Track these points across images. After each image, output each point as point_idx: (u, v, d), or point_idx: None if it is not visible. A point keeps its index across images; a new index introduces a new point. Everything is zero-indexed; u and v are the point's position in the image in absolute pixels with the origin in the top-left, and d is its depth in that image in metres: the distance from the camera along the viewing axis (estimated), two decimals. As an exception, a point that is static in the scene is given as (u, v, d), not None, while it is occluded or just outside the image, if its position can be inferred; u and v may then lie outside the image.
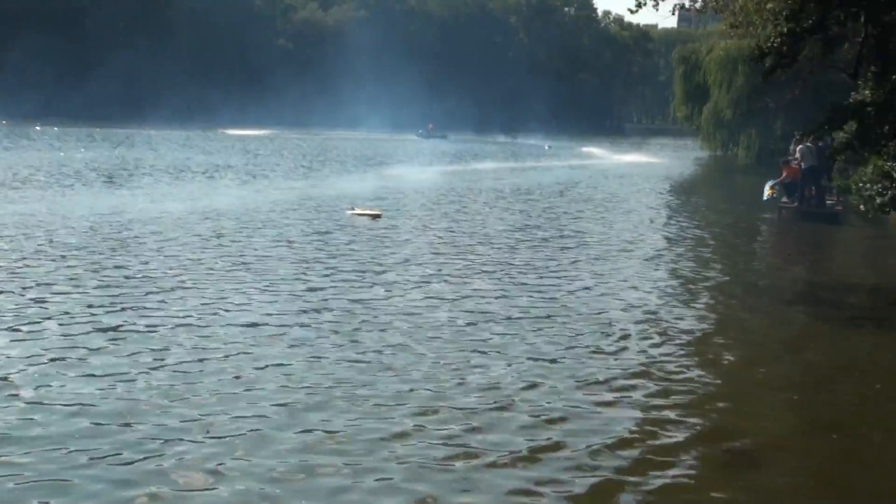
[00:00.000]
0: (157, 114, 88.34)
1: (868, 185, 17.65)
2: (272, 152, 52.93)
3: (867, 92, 17.58)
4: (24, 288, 12.70)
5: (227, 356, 9.78)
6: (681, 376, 9.70)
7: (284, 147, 59.85)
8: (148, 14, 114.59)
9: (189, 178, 32.69)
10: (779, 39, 15.60)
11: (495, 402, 8.59)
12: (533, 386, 9.16)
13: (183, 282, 13.56)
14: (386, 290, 13.56)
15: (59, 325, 10.82)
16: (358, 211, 23.54)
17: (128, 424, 7.73)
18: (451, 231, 20.80)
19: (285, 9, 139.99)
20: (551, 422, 8.17)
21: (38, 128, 69.23)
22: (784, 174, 26.92)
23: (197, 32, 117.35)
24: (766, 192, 27.31)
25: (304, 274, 14.64)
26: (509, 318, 12.06)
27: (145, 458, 7.06)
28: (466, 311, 12.34)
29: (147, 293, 12.65)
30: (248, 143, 62.22)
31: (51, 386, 8.58)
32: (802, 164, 25.63)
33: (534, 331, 11.38)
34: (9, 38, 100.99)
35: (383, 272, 15.12)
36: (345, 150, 58.89)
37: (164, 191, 27.67)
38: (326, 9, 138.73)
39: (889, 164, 17.19)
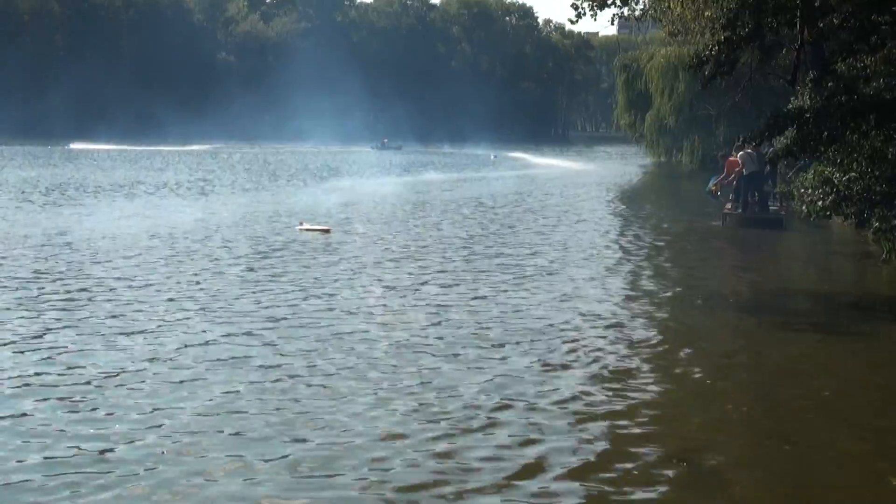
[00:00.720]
0: (104, 130, 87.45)
1: (810, 190, 17.93)
2: (219, 167, 52.52)
3: (805, 98, 17.86)
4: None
5: (174, 378, 9.67)
6: (635, 390, 9.75)
7: (231, 162, 59.44)
8: (90, 29, 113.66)
9: (135, 196, 32.30)
10: (717, 47, 15.82)
11: (456, 424, 8.54)
12: (490, 405, 9.12)
13: (130, 302, 13.38)
14: (336, 307, 13.47)
15: (9, 348, 10.62)
16: (307, 226, 23.40)
17: (79, 448, 7.63)
18: (403, 245, 20.75)
19: (226, 21, 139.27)
20: (516, 443, 8.12)
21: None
22: (726, 170, 27.31)
23: (140, 47, 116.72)
24: (711, 186, 27.80)
25: (253, 292, 14.49)
26: (463, 333, 12.03)
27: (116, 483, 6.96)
28: (420, 327, 12.30)
29: (97, 314, 12.45)
30: (193, 158, 61.69)
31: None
32: (744, 170, 25.97)
33: (488, 347, 11.37)
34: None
35: (334, 288, 15.04)
36: (293, 164, 58.67)
37: (110, 209, 27.28)
38: (268, 21, 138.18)
39: (829, 169, 17.46)
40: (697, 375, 10.44)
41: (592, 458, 7.84)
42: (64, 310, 13.00)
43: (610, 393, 9.60)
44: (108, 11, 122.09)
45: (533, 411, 8.94)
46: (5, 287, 14.68)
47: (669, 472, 7.57)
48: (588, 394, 9.58)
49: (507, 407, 9.04)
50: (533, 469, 7.57)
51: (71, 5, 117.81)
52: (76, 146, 73.92)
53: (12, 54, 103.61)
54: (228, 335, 11.66)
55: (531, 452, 7.90)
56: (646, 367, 10.70)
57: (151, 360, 10.48)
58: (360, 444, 8.03)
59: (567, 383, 9.90)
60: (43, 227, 22.83)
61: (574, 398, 9.40)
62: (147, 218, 25.38)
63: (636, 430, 8.52)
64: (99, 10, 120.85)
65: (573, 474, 7.48)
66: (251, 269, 16.90)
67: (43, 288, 14.67)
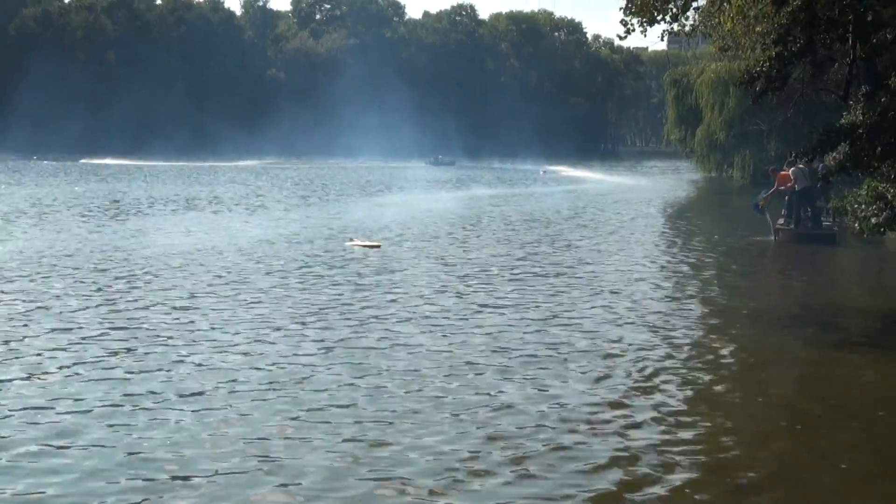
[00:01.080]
0: (160, 147, 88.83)
1: (863, 206, 17.77)
2: (270, 183, 53.08)
3: (858, 113, 17.73)
4: (44, 325, 12.79)
5: (234, 400, 9.88)
6: (684, 407, 9.78)
7: (282, 177, 59.99)
8: (143, 46, 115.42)
9: (188, 212, 32.78)
10: (768, 63, 15.77)
11: (527, 446, 8.45)
12: (557, 427, 9.02)
13: (184, 320, 13.63)
14: (388, 323, 13.60)
15: (79, 367, 10.90)
16: (357, 242, 23.58)
17: (139, 466, 7.85)
18: (452, 260, 20.83)
19: (276, 38, 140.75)
20: (592, 467, 8.02)
21: (36, 160, 69.66)
22: (777, 184, 27.08)
23: (192, 64, 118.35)
24: (760, 199, 27.58)
25: (304, 309, 14.67)
26: (521, 352, 12.02)
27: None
28: (469, 345, 12.37)
29: (153, 333, 12.73)
30: (245, 175, 62.39)
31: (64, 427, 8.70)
32: (796, 185, 25.79)
33: (549, 366, 11.34)
34: (14, 72, 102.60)
35: (384, 305, 15.16)
36: (343, 179, 59.09)
37: (163, 225, 27.71)
38: (317, 38, 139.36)
39: (883, 185, 17.31)
40: (745, 392, 10.44)
41: (677, 483, 7.72)
42: (122, 328, 13.29)
43: (682, 413, 9.54)
44: (160, 29, 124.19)
45: (603, 434, 8.82)
46: (60, 303, 15.02)
47: (714, 488, 7.58)
48: (662, 415, 9.47)
49: (575, 431, 8.92)
50: (614, 497, 7.46)
51: (123, 23, 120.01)
52: (87, 160, 74.63)
53: (66, 71, 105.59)
54: (287, 355, 11.80)
55: (611, 477, 7.78)
56: (716, 387, 10.65)
57: (209, 378, 10.67)
58: (428, 467, 8.01)
59: (637, 404, 9.84)
60: (98, 242, 23.27)
61: (647, 420, 9.30)
62: (200, 234, 25.74)
63: (716, 455, 8.40)
64: (151, 27, 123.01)
65: (663, 501, 7.38)
66: (301, 285, 17.07)
67: (92, 306, 14.96)
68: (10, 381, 10.23)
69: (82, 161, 76.17)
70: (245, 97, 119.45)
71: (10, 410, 9.16)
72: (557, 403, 9.76)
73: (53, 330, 12.73)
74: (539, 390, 10.25)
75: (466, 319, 14.03)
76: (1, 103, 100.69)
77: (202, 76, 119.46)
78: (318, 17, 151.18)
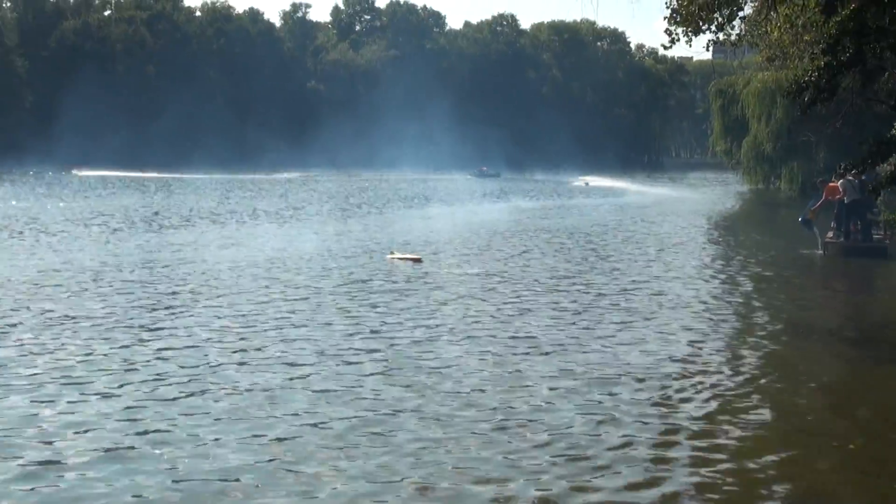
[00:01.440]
0: (199, 159, 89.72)
1: (915, 218, 17.63)
2: (310, 195, 53.47)
3: (910, 124, 17.57)
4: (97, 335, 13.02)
5: (279, 412, 9.98)
6: (753, 427, 9.72)
7: (321, 189, 60.40)
8: (182, 59, 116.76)
9: (226, 225, 33.17)
10: (816, 73, 15.65)
11: (577, 462, 8.50)
12: (607, 443, 9.05)
13: (226, 332, 13.79)
14: (429, 338, 13.64)
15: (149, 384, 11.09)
16: (398, 255, 23.66)
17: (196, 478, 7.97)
18: (496, 275, 20.79)
19: (316, 50, 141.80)
20: (638, 483, 8.04)
21: (77, 173, 70.65)
22: (825, 196, 26.76)
23: (231, 76, 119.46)
24: (808, 213, 27.25)
25: (344, 323, 14.77)
26: (568, 369, 11.97)
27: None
28: (510, 364, 12.31)
29: (196, 345, 12.90)
30: (285, 187, 62.90)
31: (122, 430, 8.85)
32: (845, 198, 25.54)
33: (598, 383, 11.29)
34: (55, 86, 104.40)
35: (425, 319, 15.21)
36: (384, 191, 59.38)
37: (204, 237, 28.02)
38: (357, 49, 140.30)
39: (936, 197, 17.18)
40: (796, 410, 10.38)
41: (690, 486, 7.84)
42: (162, 338, 13.48)
43: (729, 430, 9.49)
44: (200, 41, 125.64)
45: (650, 450, 8.84)
46: (106, 314, 15.25)
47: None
48: (706, 431, 9.45)
49: (627, 444, 8.96)
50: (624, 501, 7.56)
51: (162, 34, 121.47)
52: (82, 172, 75.08)
53: (107, 84, 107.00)
54: (329, 374, 11.87)
55: (654, 493, 7.82)
56: (763, 404, 10.58)
57: (250, 390, 10.78)
58: (482, 476, 8.10)
59: (683, 421, 9.84)
60: (137, 257, 23.57)
61: (692, 436, 9.29)
62: (240, 249, 26.00)
63: (762, 471, 8.39)
64: (190, 39, 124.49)
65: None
66: (341, 299, 17.17)
67: (137, 315, 15.18)
68: (53, 399, 10.40)
69: (122, 174, 77.09)
70: (285, 109, 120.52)
71: (60, 427, 9.34)
72: (613, 422, 9.73)
73: (90, 341, 12.92)
74: (592, 412, 10.24)
75: (513, 337, 13.93)
76: (44, 116, 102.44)
77: (242, 88, 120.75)
78: (357, 28, 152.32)
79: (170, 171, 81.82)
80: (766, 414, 10.25)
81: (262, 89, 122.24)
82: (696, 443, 9.06)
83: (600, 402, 10.42)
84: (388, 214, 40.32)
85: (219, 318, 15.03)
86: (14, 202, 44.02)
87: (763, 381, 11.56)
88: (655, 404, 10.40)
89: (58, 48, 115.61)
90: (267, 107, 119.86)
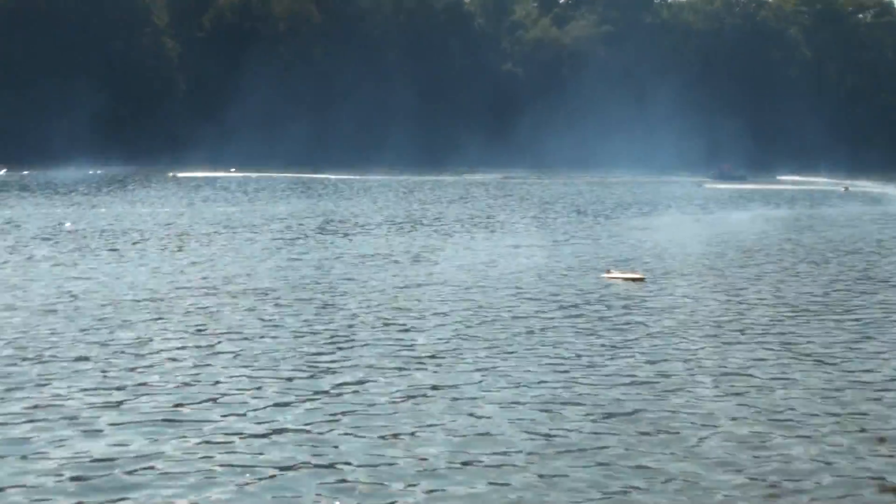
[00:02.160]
0: (386, 157, 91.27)
1: None
2: (509, 201, 53.84)
3: None
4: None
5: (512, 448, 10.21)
6: None
7: (521, 193, 60.76)
8: (354, 38, 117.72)
9: (409, 233, 33.89)
10: None
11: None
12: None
13: (431, 368, 14.09)
14: (653, 372, 13.62)
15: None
16: (616, 274, 23.65)
17: None
18: (730, 301, 20.47)
19: (512, 26, 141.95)
20: None
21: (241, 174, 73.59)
22: None
23: (412, 56, 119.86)
24: None
25: (553, 351, 14.90)
26: (801, 414, 11.79)
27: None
28: (749, 404, 12.17)
29: (401, 369, 13.31)
30: (479, 190, 63.63)
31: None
32: None
33: (833, 429, 11.12)
34: (214, 72, 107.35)
35: (647, 349, 15.18)
36: (600, 197, 59.22)
37: (386, 249, 28.60)
38: (562, 25, 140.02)
39: None
40: None
41: None
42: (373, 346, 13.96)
43: None
44: (375, 17, 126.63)
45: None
46: (252, 339, 15.89)
47: None
48: None
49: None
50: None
51: (332, 11, 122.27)
52: (181, 174, 76.61)
53: (269, 70, 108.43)
54: (535, 409, 12.02)
55: None
56: None
57: (455, 416, 11.06)
58: None
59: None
60: (302, 271, 24.30)
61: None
62: (428, 261, 26.53)
63: None
64: (364, 15, 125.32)
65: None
66: (549, 326, 17.25)
67: (314, 347, 15.73)
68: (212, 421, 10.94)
69: (293, 176, 79.07)
70: (475, 97, 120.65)
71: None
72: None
73: (254, 368, 13.51)
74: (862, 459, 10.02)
75: (775, 378, 13.66)
76: (199, 106, 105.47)
77: (427, 74, 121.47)
78: (562, 1, 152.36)
79: (348, 171, 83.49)
80: None
81: (450, 75, 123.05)
82: None
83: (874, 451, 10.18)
84: (605, 225, 40.17)
85: (406, 347, 15.32)
86: (196, 204, 46.04)
87: None
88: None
89: (213, 28, 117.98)
90: (456, 95, 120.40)
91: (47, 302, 18.59)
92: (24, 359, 13.82)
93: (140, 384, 12.61)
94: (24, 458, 9.73)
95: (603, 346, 15.59)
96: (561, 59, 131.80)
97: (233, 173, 78.45)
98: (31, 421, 10.89)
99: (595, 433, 10.94)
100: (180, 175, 73.50)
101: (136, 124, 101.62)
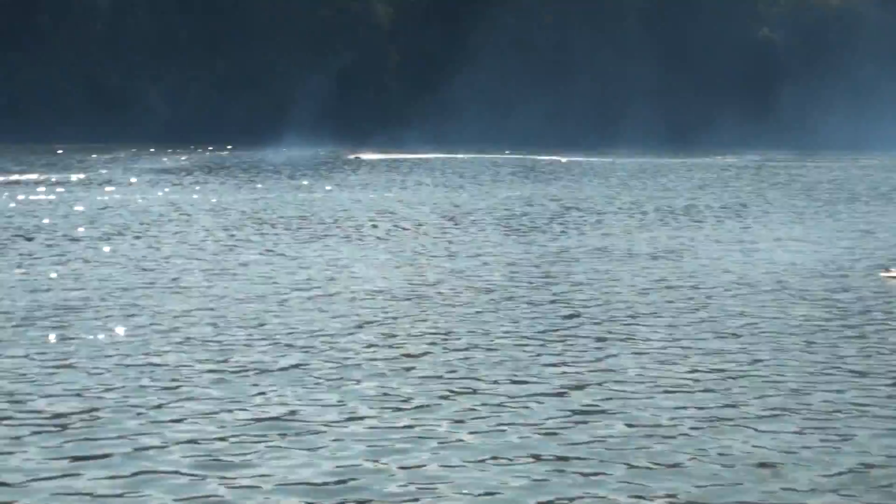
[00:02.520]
0: (626, 135, 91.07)
1: None
2: (770, 187, 52.91)
3: None
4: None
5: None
6: None
7: (787, 179, 59.66)
8: (596, 18, 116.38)
9: (650, 226, 33.73)
10: None
11: None
12: None
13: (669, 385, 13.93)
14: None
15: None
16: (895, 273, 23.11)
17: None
18: None
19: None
20: None
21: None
22: None
23: (655, 27, 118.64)
24: None
25: (826, 357, 14.91)
26: None
27: None
28: None
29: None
30: (732, 174, 62.97)
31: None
32: None
33: None
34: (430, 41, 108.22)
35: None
36: (876, 182, 57.66)
37: (620, 241, 28.63)
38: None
39: None
40: None
41: None
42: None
43: None
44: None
45: None
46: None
47: None
48: None
49: None
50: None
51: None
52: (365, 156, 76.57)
53: (486, 37, 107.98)
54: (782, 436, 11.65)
55: None
56: None
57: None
58: None
59: None
60: (526, 265, 24.34)
61: None
62: (670, 258, 26.45)
63: None
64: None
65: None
66: (814, 330, 17.08)
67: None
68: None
69: (529, 157, 79.45)
70: (729, 69, 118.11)
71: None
72: None
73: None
74: None
75: None
76: (413, 81, 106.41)
77: (670, 41, 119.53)
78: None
79: (582, 153, 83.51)
80: None
81: (697, 42, 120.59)
82: None
83: None
84: (883, 216, 38.79)
85: (632, 362, 15.07)
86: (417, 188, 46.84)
87: None
88: None
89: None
90: (705, 66, 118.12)
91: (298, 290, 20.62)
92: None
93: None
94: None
95: (880, 353, 15.38)
96: (826, 22, 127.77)
97: (436, 155, 79.07)
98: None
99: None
100: (363, 157, 74.69)
101: (345, 100, 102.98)
